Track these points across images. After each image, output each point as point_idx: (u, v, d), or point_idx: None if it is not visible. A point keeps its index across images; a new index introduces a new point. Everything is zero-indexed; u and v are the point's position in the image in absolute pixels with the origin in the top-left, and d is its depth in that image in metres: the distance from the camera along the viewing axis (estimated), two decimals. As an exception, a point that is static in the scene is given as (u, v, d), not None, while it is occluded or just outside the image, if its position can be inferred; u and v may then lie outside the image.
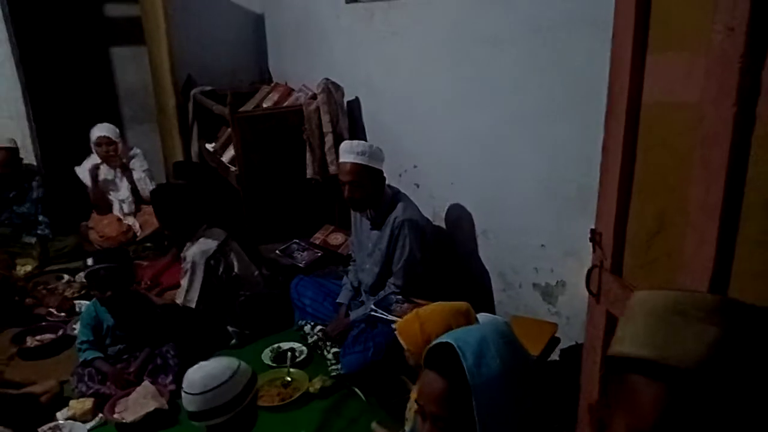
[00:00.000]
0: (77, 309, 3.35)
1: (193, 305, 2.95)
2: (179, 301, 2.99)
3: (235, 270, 3.04)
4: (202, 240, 2.98)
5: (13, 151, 3.99)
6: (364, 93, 3.54)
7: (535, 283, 2.41)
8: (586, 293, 1.45)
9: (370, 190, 2.66)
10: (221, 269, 2.99)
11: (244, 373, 1.82)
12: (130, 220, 4.11)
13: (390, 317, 2.40)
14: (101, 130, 4.02)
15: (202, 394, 1.74)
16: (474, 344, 1.08)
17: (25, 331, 3.14)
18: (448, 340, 1.09)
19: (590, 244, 1.51)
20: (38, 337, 3.11)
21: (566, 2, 2.03)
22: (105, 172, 4.07)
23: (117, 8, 5.05)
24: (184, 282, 2.99)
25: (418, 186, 3.11)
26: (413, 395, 1.70)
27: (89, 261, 2.70)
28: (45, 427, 2.38)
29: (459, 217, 2.85)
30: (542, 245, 2.34)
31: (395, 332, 1.65)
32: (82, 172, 4.08)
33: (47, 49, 4.85)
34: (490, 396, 1.05)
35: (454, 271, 2.92)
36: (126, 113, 5.25)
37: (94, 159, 4.08)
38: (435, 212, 2.97)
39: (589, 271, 1.42)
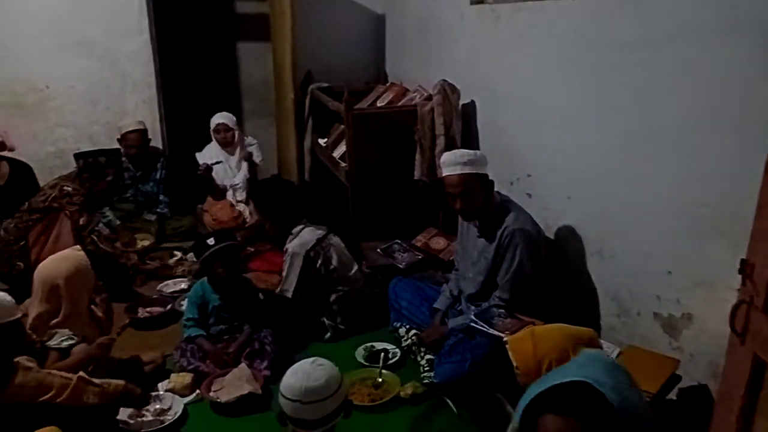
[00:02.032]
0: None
1: (289, 295, 2.98)
2: (277, 290, 3.04)
3: (334, 264, 3.04)
4: (303, 233, 3.01)
5: (143, 133, 4.26)
6: (480, 96, 3.43)
7: (657, 312, 2.20)
8: (716, 329, 1.29)
9: (484, 196, 2.55)
10: (319, 262, 3.00)
11: (345, 381, 1.85)
12: (241, 207, 4.27)
13: (491, 331, 2.28)
14: (220, 118, 4.26)
15: (315, 403, 1.74)
16: (607, 380, 0.97)
17: (137, 303, 3.33)
18: (579, 379, 0.99)
19: (732, 276, 1.32)
20: (148, 309, 3.29)
21: (723, 6, 1.83)
22: (224, 159, 4.26)
23: (247, 5, 5.29)
24: (283, 272, 3.03)
25: (530, 196, 2.96)
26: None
27: (210, 241, 2.79)
28: (147, 396, 2.49)
29: (573, 232, 2.68)
30: (668, 272, 2.13)
31: (506, 346, 1.55)
32: (202, 158, 4.30)
33: (181, 41, 5.15)
34: (638, 424, 1.00)
35: (561, 288, 2.74)
36: (247, 106, 5.48)
37: (213, 146, 4.29)
38: (547, 225, 2.80)
39: (735, 307, 1.24)
